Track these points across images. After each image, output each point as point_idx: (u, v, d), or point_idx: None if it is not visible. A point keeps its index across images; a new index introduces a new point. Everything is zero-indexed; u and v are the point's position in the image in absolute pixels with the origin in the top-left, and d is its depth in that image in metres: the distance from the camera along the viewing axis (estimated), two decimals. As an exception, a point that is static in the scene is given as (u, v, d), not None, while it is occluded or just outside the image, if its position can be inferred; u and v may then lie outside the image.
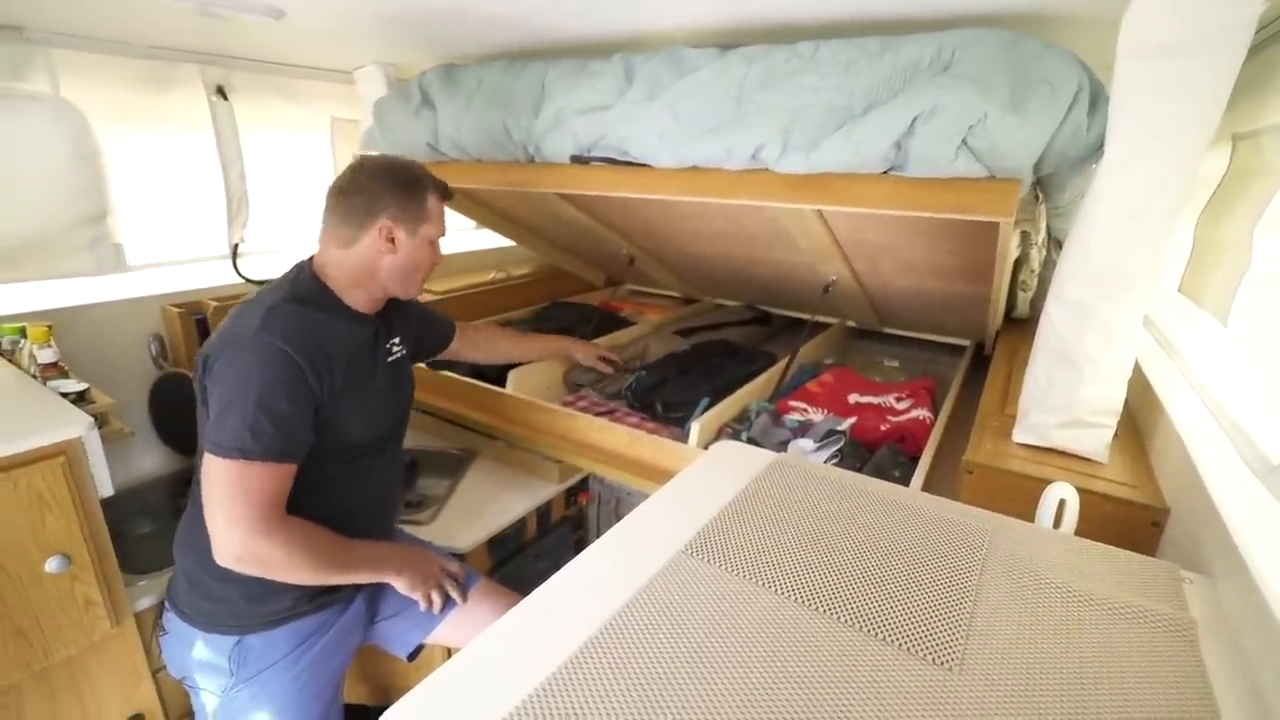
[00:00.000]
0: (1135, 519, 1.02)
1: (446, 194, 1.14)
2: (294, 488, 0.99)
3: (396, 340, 1.20)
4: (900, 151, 1.07)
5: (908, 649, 0.64)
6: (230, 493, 0.91)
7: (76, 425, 1.08)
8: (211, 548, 0.94)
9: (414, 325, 1.30)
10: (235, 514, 0.91)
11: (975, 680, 0.61)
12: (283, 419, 0.94)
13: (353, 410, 1.06)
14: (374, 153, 1.87)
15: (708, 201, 1.34)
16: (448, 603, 1.15)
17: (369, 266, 1.08)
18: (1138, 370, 1.33)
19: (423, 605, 1.12)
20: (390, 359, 1.18)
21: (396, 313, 1.21)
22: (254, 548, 0.92)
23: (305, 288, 1.05)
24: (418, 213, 1.09)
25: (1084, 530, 0.91)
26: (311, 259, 1.10)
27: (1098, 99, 0.99)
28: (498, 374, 1.73)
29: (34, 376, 1.29)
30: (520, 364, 1.71)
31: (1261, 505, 0.81)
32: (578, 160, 1.44)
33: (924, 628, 0.67)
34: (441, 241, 1.16)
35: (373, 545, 1.10)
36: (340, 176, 1.10)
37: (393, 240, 1.07)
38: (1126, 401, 1.09)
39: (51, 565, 1.05)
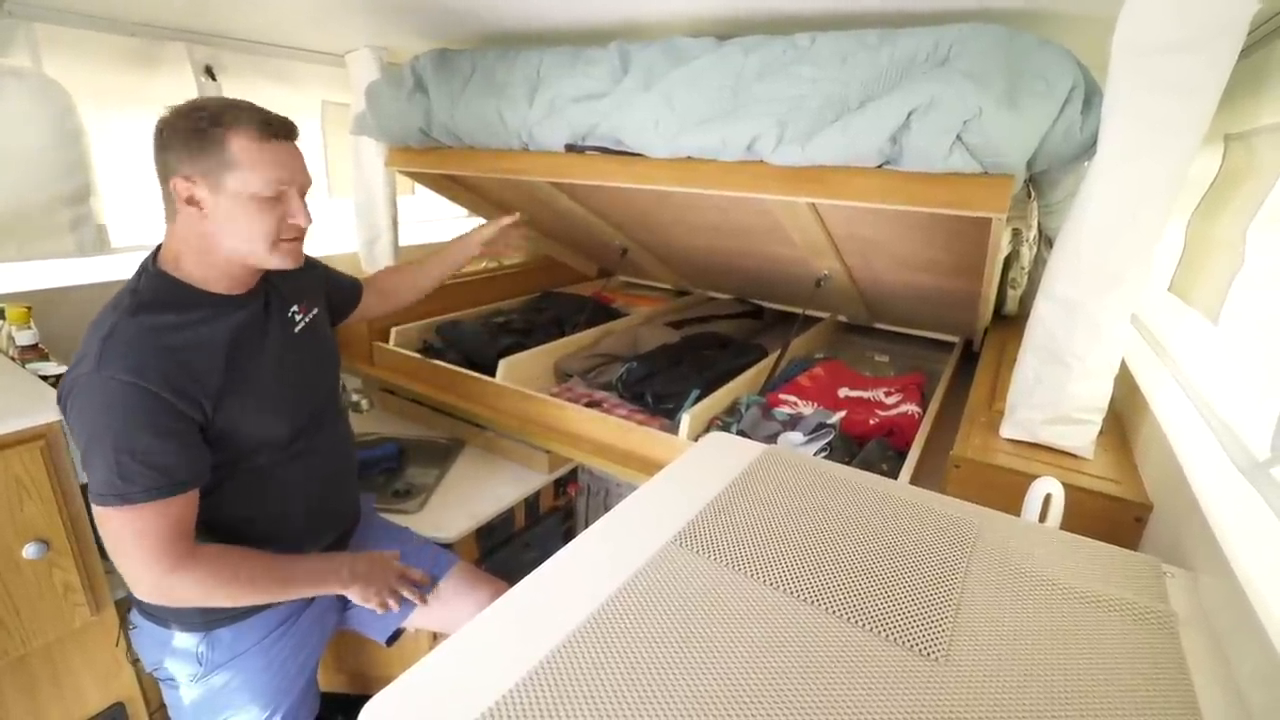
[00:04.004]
0: (1119, 514, 1.03)
1: (275, 130, 0.90)
2: (231, 493, 0.94)
3: (296, 308, 1.07)
4: (895, 145, 1.07)
5: (894, 640, 0.64)
6: (122, 538, 0.86)
7: (56, 409, 1.05)
8: None
9: (318, 282, 1.17)
10: (135, 558, 0.87)
11: (960, 671, 0.61)
12: (151, 454, 0.84)
13: (253, 407, 0.95)
14: (367, 138, 1.86)
15: (702, 193, 1.34)
16: (414, 596, 1.11)
17: (197, 239, 0.91)
18: (1123, 368, 1.34)
19: (379, 611, 1.08)
20: (297, 329, 1.06)
21: (288, 275, 1.04)
22: (165, 585, 0.88)
23: (151, 290, 0.90)
24: (218, 160, 0.87)
25: (1069, 525, 0.92)
26: (158, 250, 0.94)
27: (1092, 97, 0.99)
28: (488, 363, 1.72)
29: (12, 359, 1.27)
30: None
31: (1242, 501, 0.82)
32: (572, 149, 1.43)
33: (910, 619, 0.67)
34: (296, 192, 0.92)
35: (315, 559, 1.05)
36: None
37: (194, 202, 0.88)
38: (1112, 398, 1.10)
39: (29, 551, 1.04)
